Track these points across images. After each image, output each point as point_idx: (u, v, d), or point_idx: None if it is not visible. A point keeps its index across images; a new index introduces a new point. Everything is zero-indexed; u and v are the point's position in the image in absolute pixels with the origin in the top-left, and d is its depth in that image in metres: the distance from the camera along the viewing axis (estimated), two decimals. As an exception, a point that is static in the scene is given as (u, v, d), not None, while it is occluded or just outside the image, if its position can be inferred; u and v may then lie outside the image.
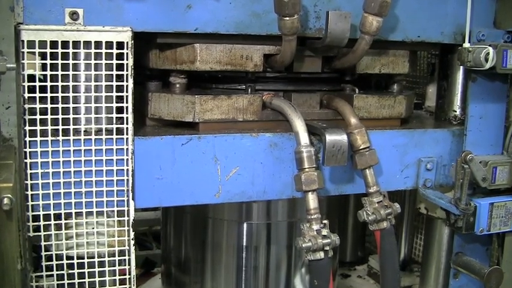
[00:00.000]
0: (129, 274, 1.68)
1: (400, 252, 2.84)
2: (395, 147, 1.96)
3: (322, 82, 2.02)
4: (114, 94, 1.61)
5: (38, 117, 1.55)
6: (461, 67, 2.08)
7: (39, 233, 1.59)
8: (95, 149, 1.61)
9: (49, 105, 1.57)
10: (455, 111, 2.12)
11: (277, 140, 1.80)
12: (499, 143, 2.04)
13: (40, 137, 1.56)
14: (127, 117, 1.62)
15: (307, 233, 1.70)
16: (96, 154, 1.61)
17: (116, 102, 1.61)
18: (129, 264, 1.68)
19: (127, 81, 1.60)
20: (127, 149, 1.62)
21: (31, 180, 1.56)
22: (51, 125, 1.57)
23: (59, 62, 1.55)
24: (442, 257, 2.18)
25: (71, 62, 1.56)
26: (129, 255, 1.67)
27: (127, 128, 1.62)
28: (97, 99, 1.60)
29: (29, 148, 1.55)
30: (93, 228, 1.63)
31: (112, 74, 1.59)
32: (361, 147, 1.79)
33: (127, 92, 1.61)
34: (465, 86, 2.07)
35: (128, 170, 1.63)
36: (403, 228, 2.82)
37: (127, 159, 1.63)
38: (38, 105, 1.54)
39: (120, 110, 1.62)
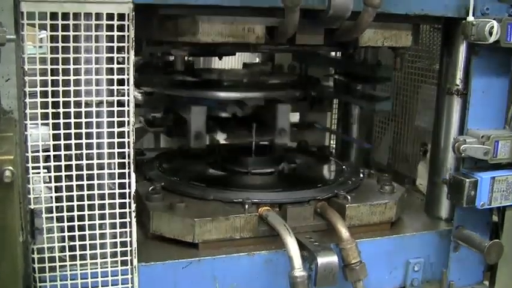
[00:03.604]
0: (131, 246, 1.70)
1: None
2: (385, 252, 2.06)
3: (316, 190, 2.12)
4: (115, 66, 1.60)
5: (38, 89, 1.54)
6: (464, 41, 2.06)
7: (40, 206, 1.60)
8: (96, 121, 1.60)
9: (49, 77, 1.56)
10: (458, 86, 2.11)
11: (272, 256, 1.90)
12: (501, 117, 2.03)
13: (41, 109, 1.55)
14: (128, 90, 1.61)
15: None
16: (97, 126, 1.61)
17: (117, 75, 1.60)
18: (130, 236, 1.70)
19: (128, 53, 1.59)
20: (128, 121, 1.62)
21: (32, 152, 1.56)
22: (51, 98, 1.56)
23: (59, 33, 1.54)
24: None
25: (71, 33, 1.55)
26: (130, 227, 1.69)
27: (128, 100, 1.61)
28: (98, 71, 1.59)
29: (30, 120, 1.54)
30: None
31: (113, 46, 1.58)
32: (352, 262, 1.87)
33: (128, 64, 1.60)
34: (468, 60, 2.06)
35: (129, 142, 1.64)
36: None
37: (128, 132, 1.63)
38: (38, 78, 1.53)
39: (121, 82, 1.61)
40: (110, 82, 1.61)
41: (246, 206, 1.93)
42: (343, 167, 2.46)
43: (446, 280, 2.07)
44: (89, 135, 1.61)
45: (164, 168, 2.35)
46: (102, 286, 1.68)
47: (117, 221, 1.68)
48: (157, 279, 1.78)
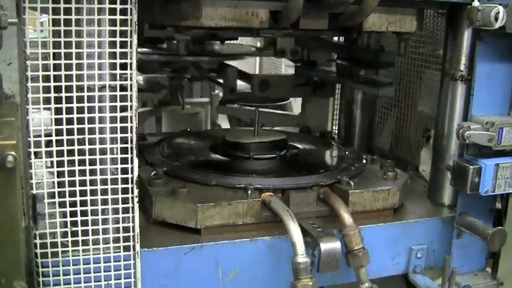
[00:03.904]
0: (133, 232, 1.70)
1: None
2: (388, 239, 2.05)
3: (319, 176, 2.10)
4: (118, 50, 1.58)
5: (40, 73, 1.53)
6: (469, 26, 2.03)
7: (43, 191, 1.59)
8: (98, 106, 1.59)
9: (51, 62, 1.54)
10: (462, 71, 2.10)
11: (275, 242, 1.89)
12: (506, 103, 2.02)
13: (43, 93, 1.54)
14: (131, 74, 1.60)
15: None
16: (99, 111, 1.60)
17: (120, 59, 1.59)
18: (133, 222, 1.69)
19: (131, 37, 1.57)
20: (131, 105, 1.61)
21: (34, 137, 1.55)
22: (53, 82, 1.54)
23: (61, 17, 1.52)
24: None
25: (73, 17, 1.53)
26: (132, 212, 1.69)
27: (131, 84, 1.60)
28: (100, 55, 1.57)
29: (32, 105, 1.53)
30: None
31: (115, 30, 1.57)
32: (354, 248, 1.86)
33: (131, 48, 1.58)
34: (472, 46, 2.04)
35: (131, 127, 1.62)
36: None
37: (130, 116, 1.61)
38: (40, 62, 1.52)
39: (123, 66, 1.60)
40: (113, 66, 1.59)
41: (249, 192, 1.92)
42: (346, 152, 2.45)
43: (449, 267, 2.05)
44: (91, 120, 1.59)
45: (166, 153, 2.34)
46: (104, 271, 1.68)
47: (120, 206, 1.67)
48: (159, 264, 1.78)
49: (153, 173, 2.01)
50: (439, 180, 2.25)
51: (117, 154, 1.64)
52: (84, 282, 1.66)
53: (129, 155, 1.65)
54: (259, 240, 1.88)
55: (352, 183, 2.04)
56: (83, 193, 1.63)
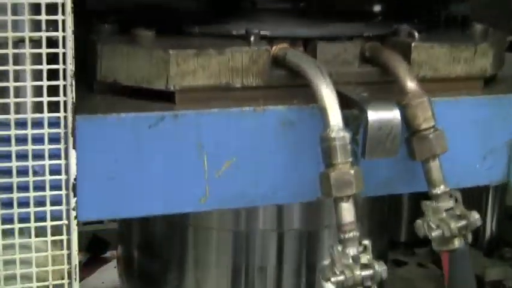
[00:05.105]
0: (69, 263, 1.28)
1: (485, 231, 2.32)
2: (475, 123, 1.52)
3: (363, 22, 1.61)
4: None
5: None
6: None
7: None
8: (14, 71, 1.17)
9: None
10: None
11: (294, 115, 1.37)
12: None
13: None
14: (63, 20, 1.17)
15: (339, 260, 1.30)
16: (15, 79, 1.18)
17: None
18: (68, 249, 1.28)
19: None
20: (64, 70, 1.20)
21: None
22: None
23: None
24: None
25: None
26: (68, 233, 1.26)
27: (64, 37, 1.18)
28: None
29: None
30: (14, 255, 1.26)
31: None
32: (422, 128, 1.37)
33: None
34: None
35: (66, 102, 1.20)
36: (490, 194, 2.28)
37: (64, 87, 1.20)
38: None
39: (51, 8, 1.17)
40: (35, 8, 1.17)
41: (252, 38, 1.36)
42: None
43: None
44: (2, 92, 1.17)
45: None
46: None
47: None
48: (107, 142, 1.27)
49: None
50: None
51: (43, 144, 1.21)
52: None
53: (61, 145, 1.20)
54: (269, 110, 1.33)
55: (416, 33, 1.47)
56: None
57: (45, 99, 1.18)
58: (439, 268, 2.28)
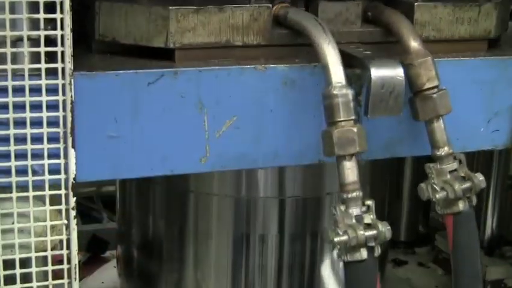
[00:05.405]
0: (68, 263, 1.27)
1: (486, 230, 2.37)
2: (480, 85, 1.48)
3: None
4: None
5: None
6: None
7: None
8: (12, 70, 1.15)
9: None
10: None
11: (296, 74, 1.33)
12: None
13: None
14: (62, 19, 1.16)
15: (342, 220, 1.27)
16: (14, 77, 1.16)
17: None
18: (68, 249, 1.27)
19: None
20: (63, 69, 1.18)
21: None
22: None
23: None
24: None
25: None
26: (67, 233, 1.26)
27: (62, 35, 1.17)
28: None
29: None
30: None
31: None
32: (425, 87, 1.33)
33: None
34: None
35: (65, 101, 1.19)
36: (490, 192, 2.30)
37: (63, 85, 1.19)
38: None
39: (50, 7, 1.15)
40: (33, 7, 1.16)
41: None
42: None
43: None
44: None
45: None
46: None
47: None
48: (106, 100, 1.23)
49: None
50: None
51: (42, 144, 1.20)
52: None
53: (60, 145, 1.20)
54: (270, 69, 1.30)
55: (419, -7, 1.45)
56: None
57: (44, 98, 1.17)
58: (440, 267, 2.31)
